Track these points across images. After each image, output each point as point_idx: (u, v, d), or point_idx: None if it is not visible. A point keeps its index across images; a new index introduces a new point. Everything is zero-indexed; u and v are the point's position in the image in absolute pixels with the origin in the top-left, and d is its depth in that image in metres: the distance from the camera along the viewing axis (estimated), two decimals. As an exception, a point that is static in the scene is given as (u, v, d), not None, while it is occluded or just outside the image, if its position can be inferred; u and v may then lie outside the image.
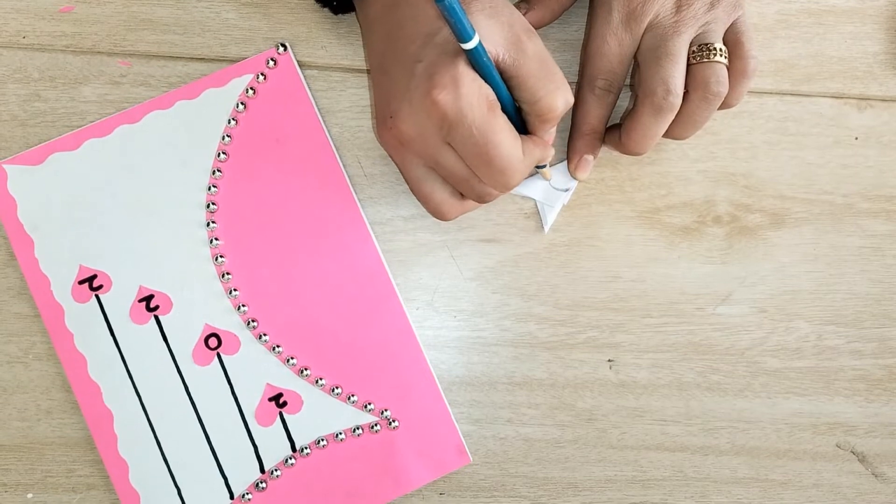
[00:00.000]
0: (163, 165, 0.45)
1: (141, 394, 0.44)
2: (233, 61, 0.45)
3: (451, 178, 0.39)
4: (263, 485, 0.44)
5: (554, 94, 0.37)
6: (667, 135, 0.43)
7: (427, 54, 0.37)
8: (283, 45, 0.45)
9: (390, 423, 0.45)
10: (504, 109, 0.38)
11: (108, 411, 0.44)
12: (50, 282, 0.44)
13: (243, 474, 0.44)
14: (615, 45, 0.43)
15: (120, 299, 0.44)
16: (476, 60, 0.36)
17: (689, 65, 0.41)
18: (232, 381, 0.44)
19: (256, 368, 0.44)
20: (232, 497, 0.44)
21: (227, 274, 0.44)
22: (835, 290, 0.48)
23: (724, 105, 0.43)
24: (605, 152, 0.47)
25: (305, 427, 0.44)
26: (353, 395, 0.45)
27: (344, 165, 0.45)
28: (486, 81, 0.37)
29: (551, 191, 0.46)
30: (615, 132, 0.44)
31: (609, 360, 0.47)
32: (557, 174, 0.46)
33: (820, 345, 0.48)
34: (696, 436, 0.47)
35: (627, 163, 0.47)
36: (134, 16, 0.45)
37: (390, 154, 0.40)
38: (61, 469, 0.45)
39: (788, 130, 0.48)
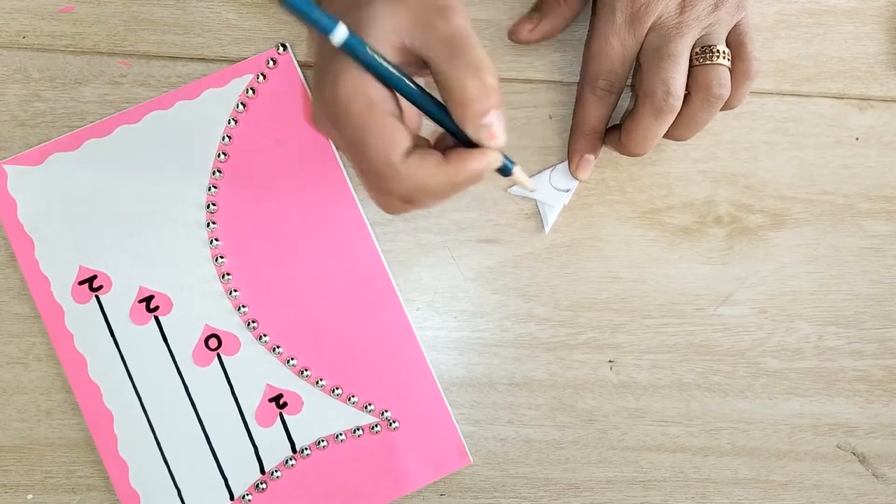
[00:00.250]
0: (163, 166, 0.44)
1: (141, 394, 0.44)
2: (233, 61, 0.45)
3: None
4: (263, 486, 0.44)
5: (463, 73, 0.32)
6: (667, 136, 0.43)
7: (328, 49, 0.33)
8: (283, 45, 0.45)
9: (391, 424, 0.45)
10: (419, 104, 0.34)
11: (108, 412, 0.44)
12: (50, 282, 0.44)
13: (243, 475, 0.44)
14: (618, 45, 0.42)
15: (120, 300, 0.44)
16: (354, 54, 0.32)
17: (691, 66, 0.41)
18: (232, 382, 0.44)
19: (257, 369, 0.44)
20: (232, 498, 0.44)
21: (228, 274, 0.44)
22: (835, 290, 0.48)
23: (726, 106, 0.43)
24: (606, 152, 0.46)
25: (306, 428, 0.44)
26: (353, 396, 0.44)
27: (344, 166, 0.45)
28: (375, 75, 0.33)
29: (552, 191, 0.46)
30: (615, 133, 0.44)
31: (609, 361, 0.47)
32: (558, 174, 0.46)
33: (821, 345, 0.47)
34: (697, 437, 0.47)
35: (628, 163, 0.47)
36: (134, 16, 0.45)
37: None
38: (61, 470, 0.45)
39: (789, 131, 0.48)
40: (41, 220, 0.44)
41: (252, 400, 0.44)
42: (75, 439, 0.45)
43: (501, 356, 0.46)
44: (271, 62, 0.45)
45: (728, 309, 0.47)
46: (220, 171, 0.45)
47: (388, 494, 0.45)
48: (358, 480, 0.44)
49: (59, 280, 0.44)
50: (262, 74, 0.45)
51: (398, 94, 0.34)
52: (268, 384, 0.44)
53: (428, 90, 0.34)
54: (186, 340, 0.44)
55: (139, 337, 0.44)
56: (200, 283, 0.44)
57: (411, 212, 0.41)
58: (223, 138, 0.45)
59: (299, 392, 0.44)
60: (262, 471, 0.44)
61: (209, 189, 0.44)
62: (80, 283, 0.44)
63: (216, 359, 0.44)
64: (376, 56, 0.32)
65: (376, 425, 0.44)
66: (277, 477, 0.44)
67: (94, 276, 0.44)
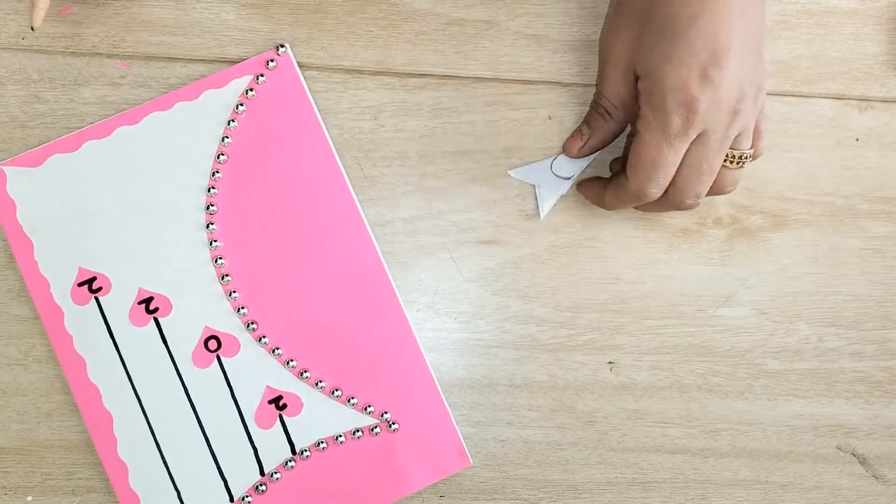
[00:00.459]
0: (162, 167, 0.44)
1: (140, 396, 0.44)
2: (232, 62, 0.45)
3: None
4: (263, 487, 0.44)
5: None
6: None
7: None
8: (283, 46, 0.45)
9: (390, 426, 0.45)
10: None
11: (107, 414, 0.44)
12: (49, 284, 0.44)
13: (243, 477, 0.44)
14: (672, 155, 0.40)
15: (119, 301, 0.44)
16: None
17: None
18: (231, 384, 0.44)
19: (256, 371, 0.44)
20: (231, 499, 0.44)
21: (227, 276, 0.44)
22: (836, 291, 0.48)
23: (716, 192, 0.43)
24: (605, 154, 0.46)
25: (305, 429, 0.44)
26: (352, 398, 0.44)
27: (344, 167, 0.45)
28: None
29: (552, 178, 0.46)
30: (598, 186, 0.45)
31: (609, 362, 0.47)
32: (560, 162, 0.46)
33: (821, 346, 0.47)
34: (697, 438, 0.47)
35: (628, 164, 0.47)
36: (133, 17, 0.45)
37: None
38: (61, 472, 0.45)
39: (789, 132, 0.47)
40: (40, 222, 0.44)
41: (251, 401, 0.44)
42: (75, 441, 0.45)
43: (501, 357, 0.46)
44: (271, 63, 0.45)
45: (728, 310, 0.47)
46: (219, 173, 0.44)
47: (388, 496, 0.45)
48: (357, 482, 0.44)
49: (59, 281, 0.44)
50: (261, 75, 0.45)
51: None
52: (267, 386, 0.44)
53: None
54: (186, 342, 0.44)
55: (139, 338, 0.44)
56: (200, 284, 0.44)
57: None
58: (222, 139, 0.44)
59: (299, 394, 0.44)
60: (262, 472, 0.44)
61: (208, 190, 0.44)
62: (80, 284, 0.44)
63: (216, 360, 0.44)
64: None
65: (376, 427, 0.44)
66: (277, 479, 0.44)
67: (94, 278, 0.44)
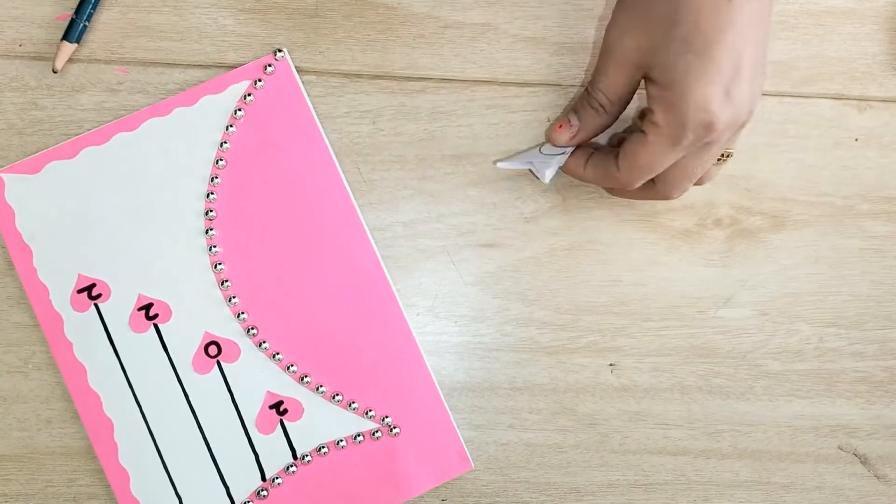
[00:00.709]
0: (161, 173, 0.44)
1: (141, 402, 0.44)
2: (230, 67, 0.45)
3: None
4: (265, 493, 0.44)
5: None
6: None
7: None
8: (280, 51, 0.45)
9: (391, 430, 0.44)
10: None
11: (108, 420, 0.44)
12: (49, 291, 0.44)
13: (244, 482, 0.44)
14: (672, 159, 0.40)
15: (119, 308, 0.44)
16: None
17: None
18: (232, 389, 0.44)
19: (257, 376, 0.44)
20: (233, 505, 0.44)
21: (227, 281, 0.44)
22: (836, 291, 0.48)
23: (697, 183, 0.43)
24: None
25: (306, 434, 0.44)
26: (353, 402, 0.44)
27: (343, 171, 0.45)
28: None
29: (545, 156, 0.45)
30: (580, 156, 0.44)
31: (610, 365, 0.47)
32: (549, 147, 0.45)
33: (821, 347, 0.47)
34: (699, 439, 0.47)
35: (627, 166, 0.47)
36: (131, 23, 0.45)
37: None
38: (62, 479, 0.45)
39: (788, 132, 0.47)
40: (39, 229, 0.44)
41: (252, 407, 0.44)
42: (76, 448, 0.44)
43: (502, 360, 0.46)
44: (269, 68, 0.45)
45: (729, 311, 0.47)
46: (218, 178, 0.44)
47: (390, 500, 0.44)
48: (359, 487, 0.44)
49: (58, 288, 0.44)
50: (259, 80, 0.45)
51: None
52: (268, 391, 0.44)
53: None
54: (186, 348, 0.44)
55: (139, 345, 0.44)
56: (199, 290, 0.44)
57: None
58: (221, 145, 0.44)
59: (299, 399, 0.44)
60: (263, 478, 0.44)
61: (207, 196, 0.44)
62: (79, 291, 0.44)
63: (216, 366, 0.44)
64: None
65: (377, 431, 0.44)
66: (278, 484, 0.44)
67: (93, 285, 0.44)
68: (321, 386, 0.44)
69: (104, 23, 0.45)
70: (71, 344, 0.44)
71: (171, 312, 0.44)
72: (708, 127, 0.38)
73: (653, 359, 0.47)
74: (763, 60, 0.39)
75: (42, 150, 0.44)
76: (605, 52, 0.42)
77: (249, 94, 0.45)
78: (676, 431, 0.47)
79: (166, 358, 0.44)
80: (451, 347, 0.46)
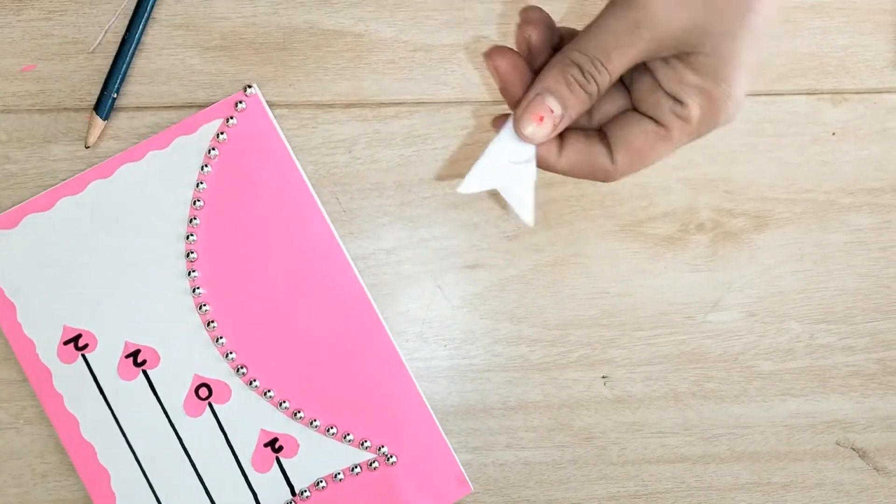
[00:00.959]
0: (139, 218, 0.44)
1: (135, 450, 0.44)
2: (201, 107, 0.45)
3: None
4: (266, 531, 0.44)
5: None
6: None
7: None
8: (250, 87, 0.45)
9: (388, 459, 0.44)
10: None
11: (104, 470, 0.43)
12: (35, 345, 0.43)
13: (245, 522, 0.44)
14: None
15: (106, 357, 0.44)
16: None
17: None
18: (226, 430, 0.44)
19: (249, 415, 0.44)
20: (235, 546, 0.44)
21: (213, 322, 0.44)
22: (823, 287, 0.48)
23: None
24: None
25: (303, 470, 0.44)
26: (348, 434, 0.44)
27: (321, 203, 0.45)
28: None
29: (512, 168, 0.35)
30: (552, 144, 0.35)
31: (603, 377, 0.47)
32: (509, 140, 0.35)
33: (812, 344, 0.47)
34: (696, 445, 0.47)
35: (606, 177, 0.46)
36: (97, 69, 0.45)
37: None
38: (62, 531, 0.45)
39: (765, 131, 0.47)
40: (21, 283, 0.44)
41: (247, 446, 0.44)
42: (73, 500, 0.44)
43: (494, 381, 0.46)
44: (240, 104, 0.44)
45: (717, 315, 0.47)
46: (197, 219, 0.44)
47: (392, 529, 0.44)
48: (360, 518, 0.44)
49: (44, 342, 0.44)
50: (231, 118, 0.44)
51: None
52: (262, 429, 0.44)
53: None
54: (176, 392, 0.44)
55: (129, 392, 0.44)
56: (186, 332, 0.44)
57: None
58: (197, 185, 0.44)
59: (294, 434, 0.44)
60: (264, 516, 0.44)
61: (187, 237, 0.44)
62: (66, 342, 0.44)
63: (208, 408, 0.44)
64: None
65: (374, 462, 0.44)
66: (279, 521, 0.44)
67: (79, 335, 0.44)
68: (315, 420, 0.44)
69: (70, 71, 0.44)
70: (61, 396, 0.44)
71: (158, 357, 0.44)
72: (729, 121, 0.33)
73: (645, 368, 0.47)
74: None
75: (18, 203, 0.44)
76: (630, 19, 0.32)
77: (222, 133, 0.44)
78: (673, 439, 0.47)
79: (157, 403, 0.44)
80: (443, 371, 0.46)
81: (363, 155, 0.46)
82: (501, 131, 0.35)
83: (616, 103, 0.36)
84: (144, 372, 0.44)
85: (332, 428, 0.44)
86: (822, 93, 0.48)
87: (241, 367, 0.44)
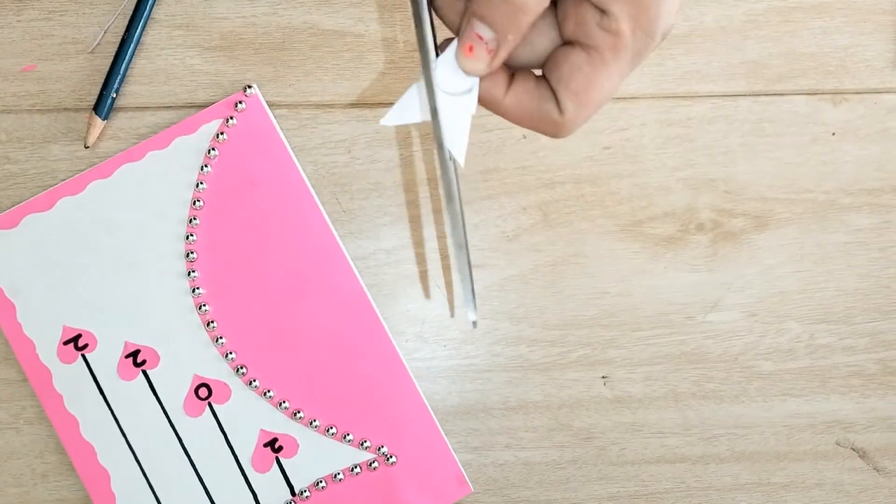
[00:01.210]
0: (139, 218, 0.44)
1: (135, 450, 0.44)
2: (201, 107, 0.45)
3: None
4: (266, 531, 0.44)
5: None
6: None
7: None
8: (250, 87, 0.45)
9: (388, 459, 0.44)
10: None
11: (104, 470, 0.43)
12: (35, 345, 0.44)
13: (245, 522, 0.44)
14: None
15: (106, 357, 0.44)
16: None
17: None
18: (225, 430, 0.44)
19: (249, 415, 0.44)
20: (235, 546, 0.44)
21: (213, 322, 0.44)
22: (823, 288, 0.48)
23: None
24: (587, 167, 0.46)
25: (303, 470, 0.44)
26: (348, 434, 0.44)
27: (321, 203, 0.45)
28: None
29: (448, 100, 0.31)
30: (499, 82, 0.31)
31: (603, 377, 0.47)
32: (447, 69, 0.31)
33: (812, 344, 0.47)
34: (696, 445, 0.47)
35: (607, 177, 0.46)
36: (97, 69, 0.45)
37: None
38: (62, 531, 0.45)
39: (765, 131, 0.47)
40: (21, 283, 0.44)
41: (247, 446, 0.44)
42: (73, 500, 0.44)
43: (494, 381, 0.46)
44: (240, 104, 0.44)
45: (717, 315, 0.47)
46: (196, 219, 0.44)
47: (391, 529, 0.44)
48: (360, 518, 0.44)
49: (44, 342, 0.44)
50: (231, 118, 0.44)
51: None
52: (262, 429, 0.44)
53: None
54: (176, 392, 0.44)
55: (129, 392, 0.44)
56: (186, 333, 0.44)
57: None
58: (197, 185, 0.44)
59: (294, 434, 0.44)
60: (263, 516, 0.44)
61: (187, 238, 0.44)
62: (66, 343, 0.44)
63: (207, 408, 0.44)
64: None
65: (374, 462, 0.44)
66: (279, 521, 0.44)
67: (79, 335, 0.44)
68: (315, 420, 0.44)
69: (70, 71, 0.44)
70: (61, 396, 0.44)
71: (158, 358, 0.44)
72: (665, 35, 0.29)
73: (645, 368, 0.47)
74: None
75: (18, 203, 0.44)
76: None
77: (222, 133, 0.44)
78: (673, 439, 0.47)
79: (157, 404, 0.44)
80: (443, 372, 0.46)
81: (363, 155, 0.46)
82: (440, 57, 0.31)
83: (548, 35, 0.31)
84: (144, 372, 0.44)
85: (331, 428, 0.44)
86: (822, 93, 0.48)
87: (241, 367, 0.44)
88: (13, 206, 0.44)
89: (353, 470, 0.44)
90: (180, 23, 0.45)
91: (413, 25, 0.32)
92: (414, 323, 0.46)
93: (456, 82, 0.31)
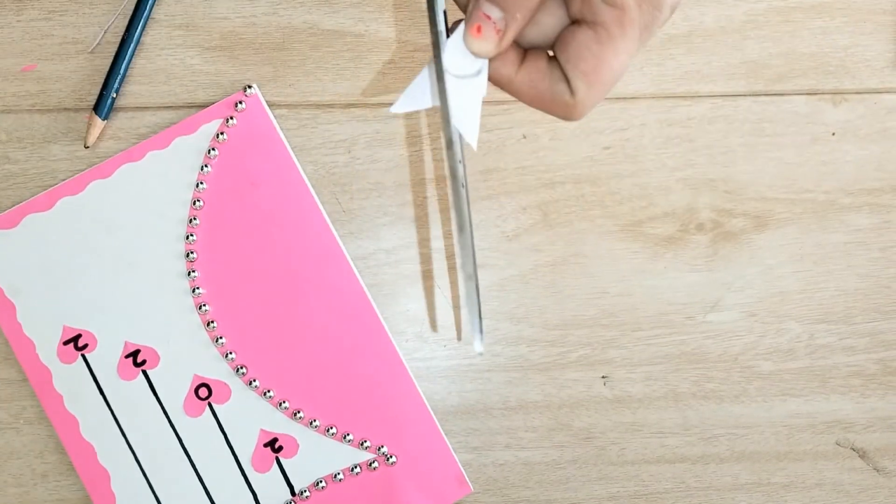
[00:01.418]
0: (139, 218, 0.44)
1: (135, 450, 0.44)
2: (201, 107, 0.45)
3: None
4: (266, 531, 0.44)
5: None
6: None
7: None
8: (250, 87, 0.45)
9: (388, 459, 0.44)
10: None
11: (103, 470, 0.43)
12: (35, 345, 0.44)
13: (245, 522, 0.44)
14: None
15: (106, 357, 0.44)
16: None
17: None
18: (225, 430, 0.44)
19: (249, 415, 0.44)
20: (235, 546, 0.44)
21: (213, 322, 0.44)
22: (823, 288, 0.48)
23: None
24: (587, 167, 0.46)
25: (303, 470, 0.44)
26: (348, 434, 0.44)
27: (321, 203, 0.45)
28: None
29: (458, 86, 0.31)
30: (509, 61, 0.31)
31: (603, 377, 0.47)
32: (455, 52, 0.30)
33: (812, 344, 0.47)
34: (696, 445, 0.47)
35: (607, 177, 0.46)
36: (97, 69, 0.45)
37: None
38: (62, 531, 0.45)
39: (765, 131, 0.47)
40: (21, 283, 0.44)
41: (247, 446, 0.44)
42: (73, 500, 0.44)
43: (494, 381, 0.46)
44: (240, 104, 0.44)
45: (717, 315, 0.47)
46: (196, 219, 0.44)
47: (391, 529, 0.44)
48: (360, 518, 0.44)
49: (44, 342, 0.44)
50: (231, 118, 0.44)
51: None
52: (262, 429, 0.44)
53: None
54: (176, 392, 0.44)
55: (128, 392, 0.44)
56: (186, 333, 0.44)
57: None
58: (197, 185, 0.44)
59: (294, 434, 0.44)
60: (263, 516, 0.44)
61: (187, 238, 0.44)
62: (66, 343, 0.44)
63: (207, 408, 0.44)
64: None
65: (373, 462, 0.44)
66: (279, 521, 0.44)
67: (79, 335, 0.44)
68: (315, 420, 0.44)
69: (70, 71, 0.44)
70: (61, 396, 0.44)
71: (158, 357, 0.44)
72: (675, 7, 0.28)
73: (645, 368, 0.47)
74: None
75: (18, 203, 0.44)
76: None
77: (222, 133, 0.44)
78: (673, 439, 0.47)
79: (157, 404, 0.44)
80: (442, 371, 0.46)
81: (363, 155, 0.46)
82: (449, 40, 0.30)
83: (556, 14, 0.30)
84: (144, 372, 0.44)
85: (331, 428, 0.44)
86: (822, 93, 0.48)
87: (241, 367, 0.44)
88: (13, 206, 0.44)
89: (353, 470, 0.44)
90: (180, 23, 0.45)
91: (425, 7, 0.31)
92: (414, 323, 0.46)
93: (465, 65, 0.30)
